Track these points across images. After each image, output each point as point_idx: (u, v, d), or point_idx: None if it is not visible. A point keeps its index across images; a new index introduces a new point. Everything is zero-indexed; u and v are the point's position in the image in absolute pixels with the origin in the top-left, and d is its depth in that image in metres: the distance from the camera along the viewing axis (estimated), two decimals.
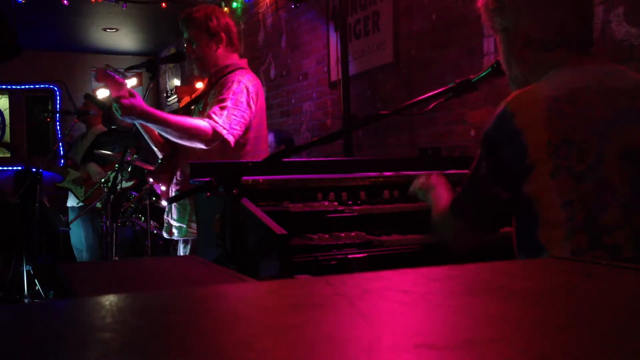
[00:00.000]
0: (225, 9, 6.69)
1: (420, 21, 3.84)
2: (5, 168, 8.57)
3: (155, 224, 3.89)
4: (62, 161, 8.58)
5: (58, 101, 9.06)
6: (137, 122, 2.61)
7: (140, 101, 2.45)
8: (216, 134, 2.53)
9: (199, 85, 7.52)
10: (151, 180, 3.70)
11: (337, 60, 4.24)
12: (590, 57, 1.46)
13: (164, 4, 6.32)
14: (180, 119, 2.55)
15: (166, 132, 2.55)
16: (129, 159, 3.85)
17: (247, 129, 2.68)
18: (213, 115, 2.55)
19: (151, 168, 3.84)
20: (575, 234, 1.31)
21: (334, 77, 4.78)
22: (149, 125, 2.58)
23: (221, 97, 2.62)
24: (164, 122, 2.50)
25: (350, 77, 4.14)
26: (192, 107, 2.91)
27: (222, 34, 2.80)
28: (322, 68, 5.03)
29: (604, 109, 1.36)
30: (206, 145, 2.55)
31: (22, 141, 8.84)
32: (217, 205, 1.66)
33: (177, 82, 8.66)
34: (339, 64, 4.17)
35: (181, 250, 3.01)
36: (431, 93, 1.69)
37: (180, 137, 2.54)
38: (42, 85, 9.04)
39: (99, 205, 4.87)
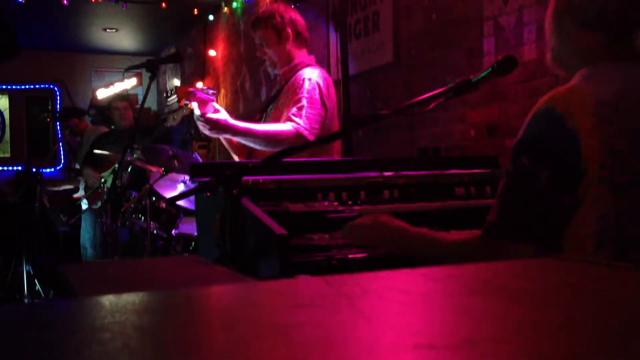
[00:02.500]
0: (225, 9, 6.70)
1: (420, 21, 3.84)
2: (5, 168, 8.57)
3: (155, 224, 3.88)
4: (63, 163, 8.60)
5: (58, 101, 9.06)
6: (222, 136, 2.68)
7: (225, 116, 2.56)
8: (300, 136, 2.57)
9: (199, 85, 7.53)
10: None
11: (337, 60, 4.23)
12: (633, 50, 1.39)
13: (164, 4, 6.32)
14: (264, 127, 2.61)
15: (252, 142, 2.61)
16: (129, 158, 3.85)
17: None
18: (294, 118, 2.58)
19: (152, 169, 3.84)
20: (603, 248, 1.25)
21: (334, 77, 4.77)
22: (235, 138, 2.64)
23: (296, 97, 2.65)
24: (249, 134, 2.58)
25: (350, 77, 4.13)
26: (268, 108, 2.92)
27: (289, 30, 2.81)
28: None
29: None
30: None
31: (22, 141, 8.84)
32: (217, 205, 1.66)
33: (177, 82, 8.66)
34: (339, 64, 4.16)
35: None
36: (431, 93, 1.69)
37: (267, 145, 2.59)
38: (42, 85, 9.04)
39: (96, 206, 4.87)
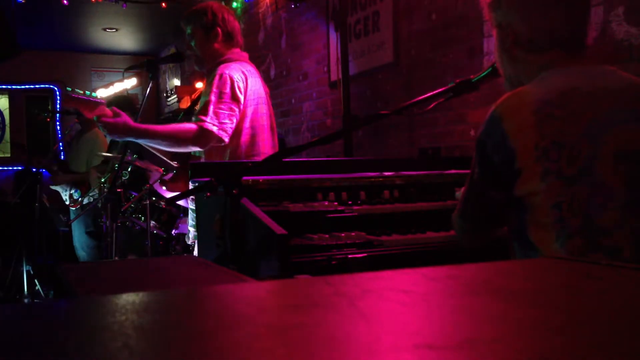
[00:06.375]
0: None
1: (420, 21, 3.84)
2: (5, 168, 8.57)
3: (155, 224, 3.88)
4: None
5: (58, 101, 9.06)
6: (126, 139, 2.63)
7: (124, 119, 2.49)
8: (205, 132, 2.52)
9: (199, 85, 7.53)
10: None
11: (337, 60, 4.23)
12: (581, 60, 1.46)
13: (164, 4, 6.31)
14: (165, 127, 2.57)
15: (157, 144, 2.58)
16: (129, 158, 3.85)
17: (242, 119, 2.66)
18: (199, 114, 2.55)
19: (152, 169, 3.84)
20: (570, 238, 1.30)
21: (334, 77, 4.78)
22: (138, 141, 2.61)
23: (205, 94, 2.62)
24: (151, 134, 2.53)
25: (350, 77, 4.13)
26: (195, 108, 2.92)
27: (218, 29, 2.78)
28: (322, 68, 5.03)
29: (595, 110, 1.35)
30: (201, 146, 2.56)
31: (22, 141, 8.83)
32: (217, 205, 1.66)
33: (177, 82, 8.66)
34: (339, 64, 4.16)
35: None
36: (431, 93, 1.69)
37: (171, 145, 2.56)
38: (42, 85, 9.03)
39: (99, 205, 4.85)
